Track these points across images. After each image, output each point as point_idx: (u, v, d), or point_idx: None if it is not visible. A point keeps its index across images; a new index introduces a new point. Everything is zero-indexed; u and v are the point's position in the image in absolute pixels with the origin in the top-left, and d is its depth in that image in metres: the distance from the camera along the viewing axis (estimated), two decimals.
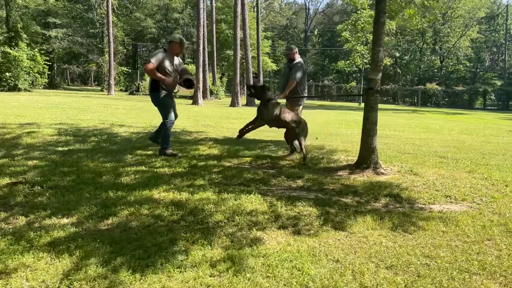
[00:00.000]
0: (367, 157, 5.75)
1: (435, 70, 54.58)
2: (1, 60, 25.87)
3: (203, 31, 24.51)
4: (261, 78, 39.49)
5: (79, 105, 16.25)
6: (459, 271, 2.90)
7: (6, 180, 4.58)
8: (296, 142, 6.32)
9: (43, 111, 12.10)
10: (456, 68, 52.99)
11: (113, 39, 33.10)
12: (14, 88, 26.37)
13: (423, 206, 4.41)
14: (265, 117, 6.00)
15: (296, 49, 7.05)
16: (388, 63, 36.60)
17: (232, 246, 3.16)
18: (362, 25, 32.64)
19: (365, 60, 34.76)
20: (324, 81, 56.70)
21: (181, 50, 6.24)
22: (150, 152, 6.35)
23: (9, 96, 21.03)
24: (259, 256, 3.02)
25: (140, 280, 2.60)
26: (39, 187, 4.38)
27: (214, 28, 31.86)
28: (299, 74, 6.83)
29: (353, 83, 50.92)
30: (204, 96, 28.37)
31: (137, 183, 4.66)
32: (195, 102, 21.67)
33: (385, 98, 50.74)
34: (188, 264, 2.83)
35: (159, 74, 5.90)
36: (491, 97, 48.47)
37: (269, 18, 70.20)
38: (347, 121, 15.32)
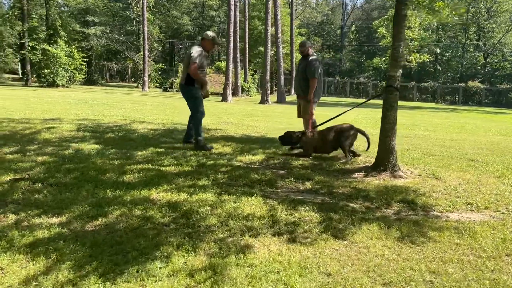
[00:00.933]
0: (384, 159, 5.40)
1: (479, 67, 52.16)
2: (41, 57, 26.80)
3: (234, 27, 24.43)
4: (293, 75, 39.10)
5: (109, 101, 16.53)
6: None
7: (10, 176, 4.57)
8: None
9: (71, 107, 12.35)
10: (501, 65, 50.36)
11: (149, 37, 33.67)
12: (53, 84, 27.29)
13: (439, 214, 4.04)
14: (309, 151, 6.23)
15: (310, 45, 6.75)
16: (427, 59, 35.17)
17: (218, 253, 2.96)
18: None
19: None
20: (359, 78, 55.46)
21: (213, 47, 6.35)
22: (161, 150, 6.24)
23: (46, 92, 21.74)
24: (244, 266, 2.80)
25: None
26: (39, 184, 4.34)
27: (247, 25, 31.74)
28: (318, 72, 6.53)
29: None
30: (235, 93, 28.35)
31: (138, 182, 4.54)
32: (224, 99, 21.62)
33: (424, 96, 49.06)
34: (166, 273, 2.65)
35: (202, 78, 6.22)
36: None
37: (305, 15, 69.41)
38: (376, 119, 14.70)
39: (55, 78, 27.27)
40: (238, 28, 27.44)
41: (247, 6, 33.25)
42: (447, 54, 54.03)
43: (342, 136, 6.03)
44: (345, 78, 53.70)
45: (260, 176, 4.99)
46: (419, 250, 3.18)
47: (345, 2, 72.03)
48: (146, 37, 31.02)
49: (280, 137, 6.38)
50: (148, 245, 3.03)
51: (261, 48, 40.32)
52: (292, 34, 38.86)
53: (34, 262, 2.72)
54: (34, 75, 30.99)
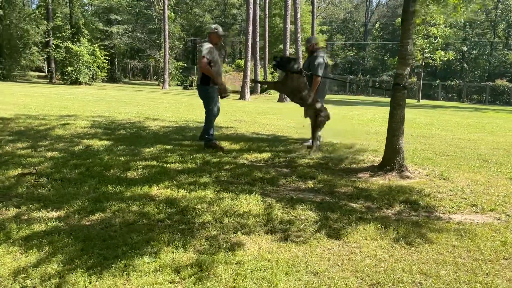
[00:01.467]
0: (391, 158, 5.31)
1: (508, 66, 50.64)
2: (64, 55, 27.43)
3: (253, 25, 24.44)
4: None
5: (127, 98, 16.79)
6: None
7: (18, 171, 4.70)
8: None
9: (89, 104, 12.59)
10: None
11: (170, 35, 33.99)
12: (76, 82, 27.91)
13: (441, 215, 3.95)
14: (283, 88, 5.98)
15: (316, 41, 6.65)
16: (452, 57, 34.37)
17: (208, 250, 2.97)
18: (423, 18, 30.91)
19: (425, 55, 32.98)
20: (382, 76, 54.65)
21: (220, 39, 6.32)
22: (169, 147, 6.30)
23: (68, 89, 22.24)
24: (231, 263, 2.80)
25: (93, 283, 2.49)
26: (45, 179, 4.45)
27: (267, 23, 31.69)
28: (321, 69, 6.44)
29: (413, 79, 48.54)
30: (255, 91, 28.35)
31: (140, 178, 4.60)
32: (242, 97, 21.66)
33: (450, 95, 47.98)
34: (152, 268, 2.68)
35: (213, 73, 6.11)
36: None
37: (327, 12, 68.82)
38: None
39: (78, 75, 27.89)
40: (258, 26, 27.41)
41: (267, 4, 33.18)
42: (474, 52, 52.69)
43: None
44: (367, 76, 52.99)
45: (263, 174, 4.98)
46: (414, 251, 3.12)
47: None
48: (167, 35, 31.36)
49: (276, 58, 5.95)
50: (140, 240, 3.07)
51: (282, 46, 40.30)
52: (313, 32, 38.53)
53: (27, 254, 2.79)
54: (58, 73, 31.77)
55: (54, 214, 3.53)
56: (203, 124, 6.42)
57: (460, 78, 50.02)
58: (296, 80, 5.73)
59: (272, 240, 3.20)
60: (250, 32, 22.41)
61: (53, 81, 31.91)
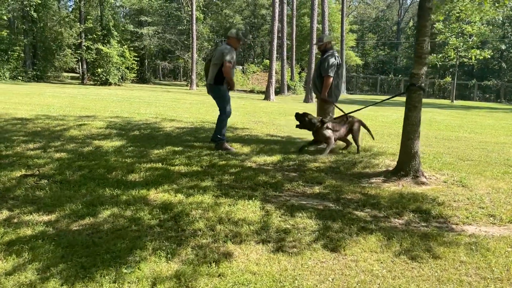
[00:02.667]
0: (406, 163, 5.01)
1: None
2: (95, 56, 28.05)
3: (281, 25, 24.23)
4: (344, 72, 38.18)
5: (151, 99, 16.93)
6: None
7: (22, 172, 4.70)
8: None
9: (112, 104, 12.73)
10: None
11: (198, 36, 34.19)
12: (106, 83, 28.50)
13: (454, 226, 3.66)
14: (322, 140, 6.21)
15: (328, 39, 6.37)
16: (488, 56, 32.88)
17: (193, 260, 2.81)
18: (458, 15, 29.71)
19: (460, 54, 31.78)
20: None
21: (239, 44, 6.32)
22: (179, 149, 6.20)
23: (96, 90, 22.68)
24: (214, 276, 2.64)
25: None
26: (45, 181, 4.42)
27: (294, 22, 31.38)
28: (333, 69, 6.16)
29: (448, 79, 46.88)
30: (281, 91, 28.13)
31: (141, 181, 4.51)
32: (267, 97, 21.48)
33: (487, 95, 46.14)
34: (128, 280, 2.55)
35: (233, 80, 6.33)
36: None
37: (359, 11, 67.64)
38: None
39: (108, 76, 28.49)
40: (285, 25, 27.17)
41: (294, 3, 32.88)
42: None
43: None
44: (399, 76, 51.62)
45: (268, 178, 4.79)
46: (415, 266, 2.86)
47: None
48: (194, 36, 31.55)
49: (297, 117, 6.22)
50: (124, 248, 2.95)
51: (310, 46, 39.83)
52: (343, 31, 37.94)
53: (5, 260, 2.72)
54: (89, 74, 32.58)
55: (45, 217, 3.47)
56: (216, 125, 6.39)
57: (498, 77, 48.02)
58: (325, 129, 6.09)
59: (262, 251, 3.02)
60: (275, 32, 22.19)
61: (84, 82, 32.74)
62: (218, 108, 6.45)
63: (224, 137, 6.36)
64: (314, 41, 23.06)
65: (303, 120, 6.09)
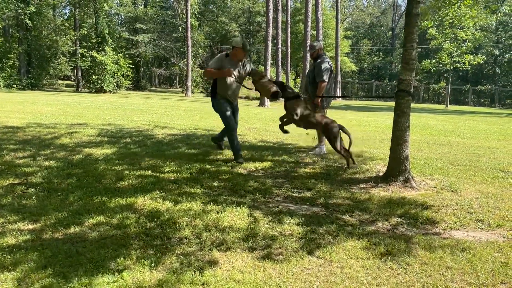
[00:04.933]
0: (396, 169, 5.02)
1: None
2: (90, 64, 28.03)
3: (277, 32, 24.32)
4: (339, 79, 38.34)
5: (145, 106, 16.89)
6: None
7: (10, 180, 4.67)
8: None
9: (105, 112, 12.69)
10: None
11: (194, 43, 34.25)
12: (101, 90, 28.45)
13: (441, 231, 3.66)
14: (290, 116, 5.70)
15: (319, 46, 6.39)
16: (481, 61, 33.04)
17: (177, 269, 2.79)
18: (451, 21, 29.89)
19: (453, 59, 32.01)
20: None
21: (245, 55, 5.87)
22: (170, 155, 6.18)
23: (91, 97, 22.62)
24: (197, 285, 2.62)
25: None
26: (33, 189, 4.39)
27: (289, 28, 31.47)
28: (327, 74, 6.20)
29: (442, 84, 47.11)
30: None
31: (129, 189, 4.48)
32: (261, 104, 21.49)
33: (482, 100, 46.39)
34: None
35: (213, 70, 5.74)
36: None
37: (353, 17, 68.09)
38: (413, 126, 13.99)
39: (103, 84, 28.44)
40: (280, 32, 27.26)
41: (289, 10, 33.03)
42: (507, 55, 50.79)
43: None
44: (394, 81, 51.84)
45: (258, 184, 4.78)
46: (401, 272, 2.85)
47: (397, 3, 69.33)
48: (189, 43, 31.62)
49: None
50: (108, 257, 2.93)
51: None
52: (337, 37, 38.22)
53: None
54: (84, 81, 32.54)
55: (29, 226, 3.44)
56: (214, 133, 6.24)
57: (492, 82, 48.34)
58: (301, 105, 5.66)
59: (248, 258, 3.00)
60: (270, 39, 22.26)
61: (79, 89, 32.69)
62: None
63: (238, 151, 5.99)
64: (308, 47, 23.18)
65: (283, 88, 5.69)
